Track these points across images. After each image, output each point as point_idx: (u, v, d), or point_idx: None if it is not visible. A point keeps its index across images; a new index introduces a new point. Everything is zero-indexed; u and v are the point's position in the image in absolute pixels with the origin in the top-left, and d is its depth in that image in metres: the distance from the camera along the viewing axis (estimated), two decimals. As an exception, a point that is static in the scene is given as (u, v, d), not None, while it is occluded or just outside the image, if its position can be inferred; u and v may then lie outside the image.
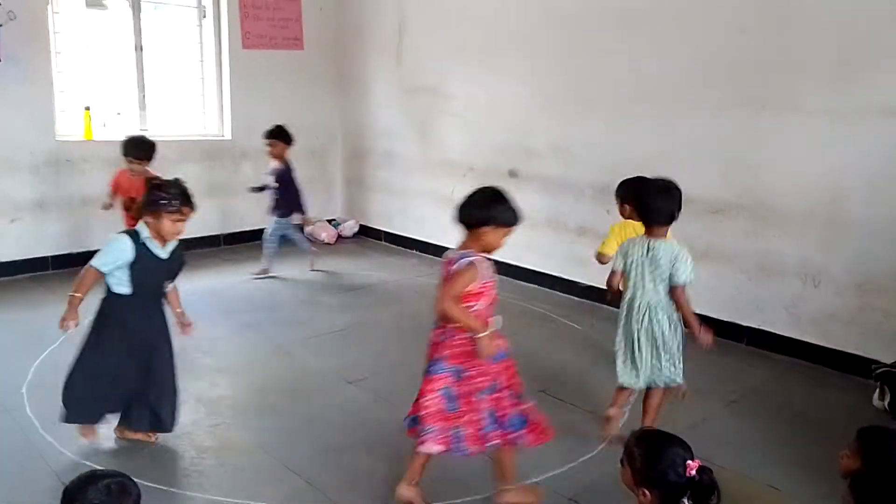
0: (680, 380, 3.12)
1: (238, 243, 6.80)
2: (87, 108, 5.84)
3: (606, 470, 2.95)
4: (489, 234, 2.51)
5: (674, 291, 3.07)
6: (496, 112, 5.92)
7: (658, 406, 3.20)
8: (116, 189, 4.83)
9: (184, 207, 2.93)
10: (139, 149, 4.72)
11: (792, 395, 3.88)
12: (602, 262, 3.65)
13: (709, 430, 3.38)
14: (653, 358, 3.10)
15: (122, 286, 2.92)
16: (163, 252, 2.97)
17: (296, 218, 5.79)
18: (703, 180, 4.64)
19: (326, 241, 7.14)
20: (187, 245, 5.74)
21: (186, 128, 6.56)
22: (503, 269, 5.97)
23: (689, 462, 1.84)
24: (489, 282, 2.52)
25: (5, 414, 3.34)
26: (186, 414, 3.42)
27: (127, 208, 4.70)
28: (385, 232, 7.19)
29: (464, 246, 2.55)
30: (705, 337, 3.06)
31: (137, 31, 6.10)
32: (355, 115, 7.31)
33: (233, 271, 5.91)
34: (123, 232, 2.98)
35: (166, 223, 2.90)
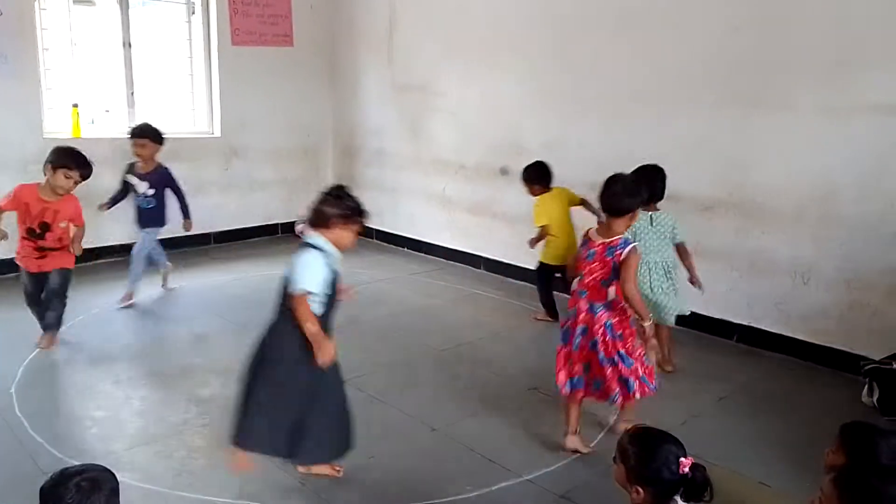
0: None
1: (228, 241, 6.78)
2: (75, 106, 5.79)
3: (598, 467, 2.96)
4: (630, 218, 3.01)
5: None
6: (488, 110, 5.92)
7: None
8: (18, 207, 3.97)
9: (361, 217, 2.69)
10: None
11: (782, 391, 3.90)
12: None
13: (699, 427, 3.39)
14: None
15: (317, 307, 2.62)
16: (338, 265, 2.70)
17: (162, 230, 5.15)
18: (695, 178, 4.66)
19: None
20: (177, 244, 5.75)
21: (175, 125, 6.52)
22: (496, 267, 6.01)
23: (683, 459, 1.85)
24: None
25: (-6, 414, 3.32)
26: (178, 413, 3.41)
27: (34, 236, 3.97)
28: (376, 230, 7.18)
29: (613, 232, 2.96)
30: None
31: (125, 28, 6.05)
32: (346, 113, 7.29)
33: (223, 270, 5.89)
34: (308, 247, 2.64)
35: (351, 235, 2.66)
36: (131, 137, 4.94)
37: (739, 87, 4.38)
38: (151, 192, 4.92)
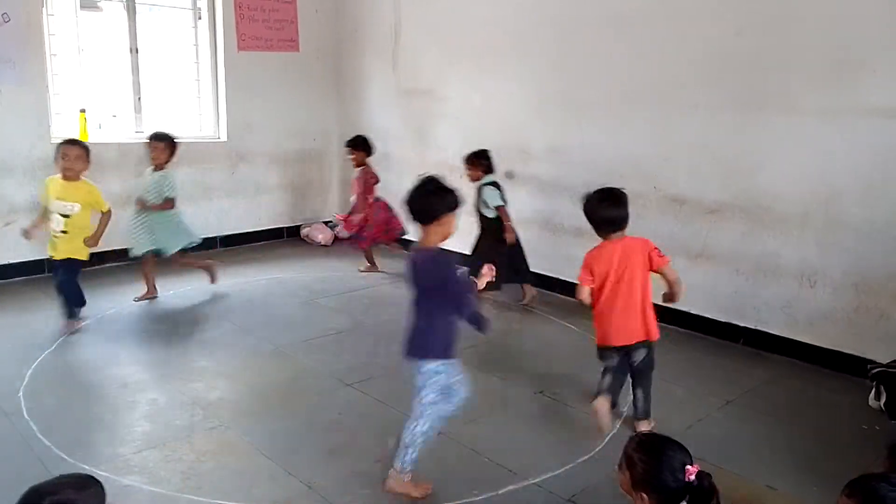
0: None
1: (235, 245, 6.80)
2: (83, 111, 5.82)
3: (605, 471, 2.96)
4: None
5: None
6: (492, 114, 5.93)
7: None
8: None
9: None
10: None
11: (788, 395, 3.89)
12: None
13: (705, 431, 3.38)
14: None
15: None
16: None
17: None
18: (699, 181, 4.66)
19: (323, 242, 7.13)
20: (183, 248, 5.75)
21: (182, 130, 6.54)
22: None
23: (689, 467, 1.84)
24: None
25: (3, 419, 3.33)
26: (185, 417, 3.42)
27: None
28: (381, 233, 7.19)
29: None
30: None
31: (132, 33, 6.09)
32: (351, 118, 7.31)
33: (230, 273, 5.90)
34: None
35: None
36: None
37: (742, 90, 4.38)
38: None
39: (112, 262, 5.82)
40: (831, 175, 4.10)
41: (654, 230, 4.88)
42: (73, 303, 4.48)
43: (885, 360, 3.76)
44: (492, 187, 5.18)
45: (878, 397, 3.68)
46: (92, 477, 1.61)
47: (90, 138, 5.83)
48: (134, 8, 6.07)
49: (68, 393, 3.70)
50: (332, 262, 6.49)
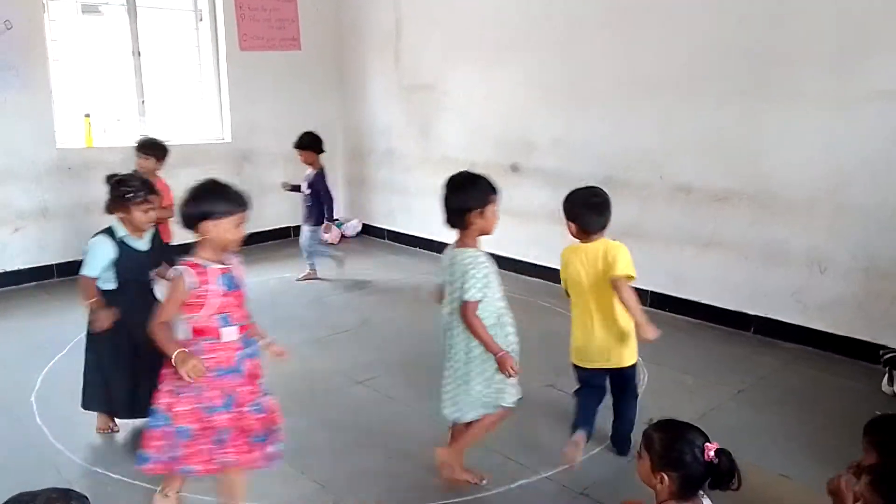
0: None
1: (242, 245, 6.79)
2: (87, 115, 5.84)
3: (617, 464, 2.95)
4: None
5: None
6: (496, 107, 5.91)
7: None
8: None
9: (149, 196, 3.05)
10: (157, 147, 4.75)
11: (800, 382, 3.87)
12: None
13: (717, 420, 3.37)
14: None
15: (109, 283, 3.04)
16: (142, 244, 3.09)
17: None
18: (706, 170, 4.63)
19: (330, 241, 7.13)
20: (186, 249, 5.76)
21: (186, 131, 6.56)
22: (508, 265, 6.00)
23: (708, 444, 1.83)
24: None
25: (16, 423, 3.35)
26: (195, 418, 3.42)
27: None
28: (388, 230, 7.19)
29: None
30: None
31: (134, 36, 6.10)
32: (355, 115, 7.30)
33: (237, 274, 5.92)
34: (100, 233, 3.05)
35: (137, 214, 3.01)
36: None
37: (747, 78, 4.35)
38: (308, 191, 5.55)
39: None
40: (838, 160, 4.06)
41: (661, 220, 4.88)
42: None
43: (897, 345, 3.74)
44: None
45: (890, 382, 3.65)
46: (74, 490, 1.58)
47: (95, 143, 5.87)
48: (135, 11, 6.08)
49: (80, 397, 3.70)
50: (340, 259, 6.48)
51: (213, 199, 2.36)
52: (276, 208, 7.10)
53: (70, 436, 3.22)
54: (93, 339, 3.14)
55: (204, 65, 6.63)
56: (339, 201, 7.63)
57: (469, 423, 2.75)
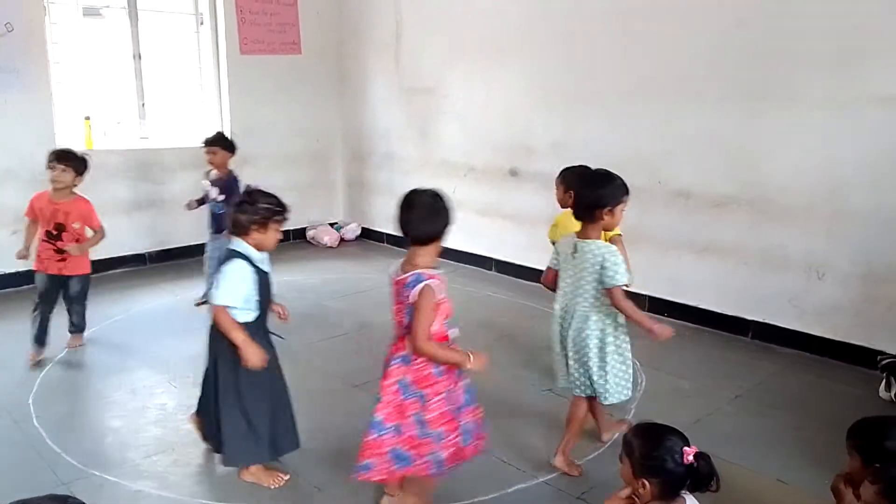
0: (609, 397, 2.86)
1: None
2: (88, 118, 5.85)
3: (614, 468, 2.94)
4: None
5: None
6: (495, 111, 5.92)
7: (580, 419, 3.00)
8: (33, 213, 4.18)
9: (286, 213, 2.78)
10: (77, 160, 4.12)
11: (798, 388, 3.87)
12: None
13: (715, 426, 3.37)
14: (572, 362, 2.89)
15: (249, 314, 2.72)
16: (267, 265, 2.78)
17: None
18: (704, 174, 4.64)
19: (329, 244, 7.15)
20: (191, 252, 5.78)
21: (186, 135, 6.57)
22: (507, 269, 6.01)
23: (686, 448, 1.84)
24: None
25: (13, 425, 3.36)
26: (193, 421, 3.43)
27: (51, 238, 4.10)
28: (387, 234, 7.20)
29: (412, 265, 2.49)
30: (661, 331, 2.75)
31: (135, 39, 6.11)
32: (355, 118, 7.32)
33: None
34: (233, 257, 2.68)
35: (273, 233, 2.72)
36: (204, 146, 4.98)
37: (745, 81, 4.36)
38: (221, 197, 4.86)
39: (121, 268, 5.84)
40: (837, 165, 4.07)
41: (659, 224, 4.89)
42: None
43: (895, 351, 3.74)
44: None
45: (888, 388, 3.66)
46: (73, 497, 1.58)
47: (95, 146, 5.87)
48: (136, 14, 6.10)
49: (77, 399, 3.72)
50: (339, 263, 6.50)
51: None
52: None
53: (67, 438, 3.22)
54: (248, 379, 2.73)
55: (204, 68, 6.64)
56: (339, 204, 7.66)
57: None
